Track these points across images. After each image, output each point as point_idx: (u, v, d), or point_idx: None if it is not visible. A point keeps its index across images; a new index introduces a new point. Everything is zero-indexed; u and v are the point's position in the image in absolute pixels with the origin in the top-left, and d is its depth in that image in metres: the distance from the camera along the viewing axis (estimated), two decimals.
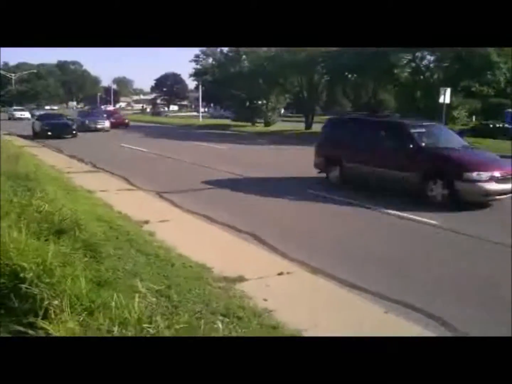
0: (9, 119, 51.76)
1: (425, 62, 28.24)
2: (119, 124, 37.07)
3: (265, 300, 4.42)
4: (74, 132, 26.95)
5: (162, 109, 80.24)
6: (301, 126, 37.51)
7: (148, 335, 2.85)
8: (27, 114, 52.81)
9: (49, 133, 25.78)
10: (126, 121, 39.55)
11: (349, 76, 32.27)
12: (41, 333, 2.88)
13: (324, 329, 3.86)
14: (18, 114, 55.00)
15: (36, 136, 26.65)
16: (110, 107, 66.67)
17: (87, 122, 32.12)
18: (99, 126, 32.16)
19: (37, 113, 38.86)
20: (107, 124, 33.19)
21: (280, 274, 5.27)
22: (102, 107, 65.02)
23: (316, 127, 37.18)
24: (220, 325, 3.30)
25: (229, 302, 4.24)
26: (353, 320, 4.20)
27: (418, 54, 27.19)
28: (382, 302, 4.64)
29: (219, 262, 5.44)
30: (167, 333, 2.88)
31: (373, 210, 8.82)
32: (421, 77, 27.90)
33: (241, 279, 4.98)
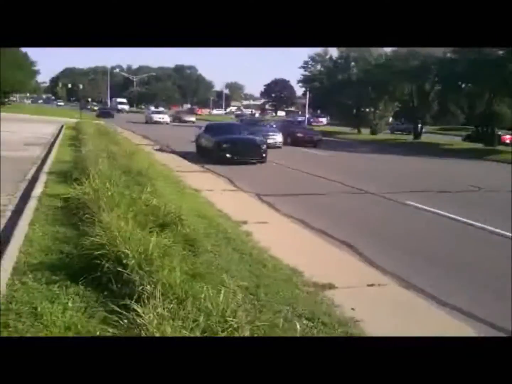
0: (146, 122, 46.72)
1: None
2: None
3: (353, 309, 4.38)
4: (264, 155, 17.21)
5: (269, 115, 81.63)
6: (409, 136, 36.31)
7: (230, 328, 2.98)
8: (166, 118, 48.95)
9: (229, 155, 16.65)
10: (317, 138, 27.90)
11: (463, 85, 30.63)
12: (133, 315, 3.11)
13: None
14: (156, 117, 48.61)
15: (205, 155, 17.84)
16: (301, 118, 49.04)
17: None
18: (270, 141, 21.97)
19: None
20: (279, 139, 24.23)
21: (371, 285, 5.19)
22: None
23: (426, 137, 35.95)
24: (298, 327, 3.35)
25: (315, 307, 4.27)
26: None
27: None
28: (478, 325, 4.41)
29: (310, 267, 5.47)
30: (247, 328, 3.00)
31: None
32: None
33: (330, 286, 4.98)
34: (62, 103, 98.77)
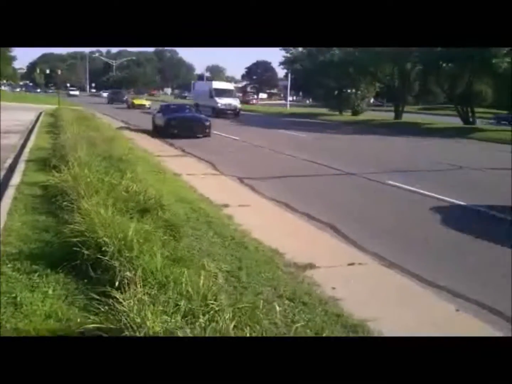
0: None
1: None
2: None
3: (333, 288, 4.43)
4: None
5: (251, 97, 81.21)
6: (390, 116, 36.45)
7: (212, 311, 3.00)
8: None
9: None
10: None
11: (444, 65, 30.78)
12: (113, 302, 3.12)
13: (389, 322, 3.82)
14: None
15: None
16: None
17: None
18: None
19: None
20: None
21: (351, 264, 5.25)
22: None
23: (407, 117, 36.13)
24: (277, 308, 3.39)
25: (296, 288, 4.31)
26: (422, 317, 4.11)
27: None
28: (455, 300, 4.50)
29: (291, 248, 5.50)
30: (228, 311, 3.02)
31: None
32: None
33: (311, 266, 5.03)
34: (39, 90, 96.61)
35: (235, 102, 36.73)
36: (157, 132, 20.73)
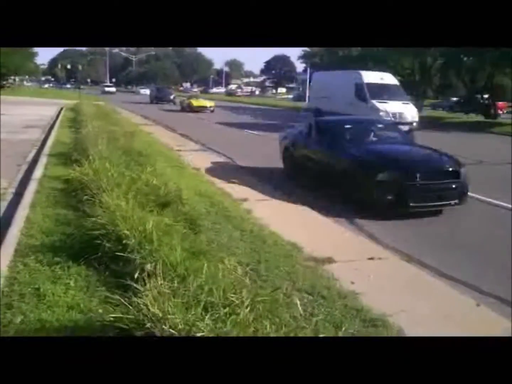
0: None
1: None
2: None
3: (353, 283, 4.41)
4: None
5: (270, 92, 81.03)
6: None
7: (232, 304, 3.01)
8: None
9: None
10: None
11: (465, 58, 30.30)
12: (131, 295, 3.14)
13: (409, 316, 3.80)
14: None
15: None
16: None
17: None
18: None
19: None
20: None
21: (371, 258, 5.22)
22: None
23: (428, 112, 35.65)
24: (298, 302, 3.39)
25: (315, 282, 4.30)
26: (441, 310, 4.07)
27: None
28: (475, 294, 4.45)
29: (310, 243, 5.49)
30: (248, 304, 3.03)
31: None
32: None
33: (330, 260, 5.01)
34: (68, 86, 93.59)
35: (408, 110, 19.48)
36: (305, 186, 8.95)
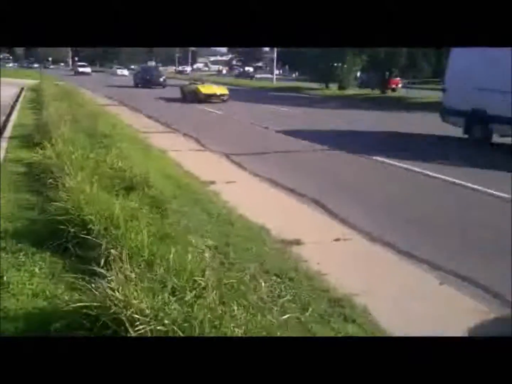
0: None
1: None
2: None
3: (318, 263, 4.49)
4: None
5: (237, 71, 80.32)
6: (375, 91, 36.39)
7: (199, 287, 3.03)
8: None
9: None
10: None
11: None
12: (97, 280, 3.13)
13: (374, 296, 3.91)
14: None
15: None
16: None
17: None
18: None
19: None
20: None
21: (337, 240, 5.31)
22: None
23: (393, 91, 36.13)
24: (262, 283, 3.44)
25: (283, 264, 4.36)
26: (405, 289, 4.19)
27: None
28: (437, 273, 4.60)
29: (278, 225, 5.53)
30: (212, 286, 3.06)
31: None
32: None
33: (297, 242, 5.07)
34: (36, 65, 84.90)
35: None
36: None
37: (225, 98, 25.12)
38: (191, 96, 25.15)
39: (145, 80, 36.59)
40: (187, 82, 29.24)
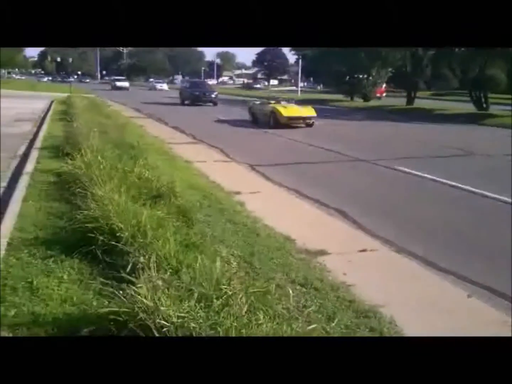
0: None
1: None
2: None
3: (345, 274, 4.45)
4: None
5: (262, 84, 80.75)
6: (402, 102, 36.06)
7: (225, 296, 3.04)
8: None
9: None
10: None
11: (456, 49, 30.30)
12: (125, 287, 3.16)
13: (400, 307, 3.85)
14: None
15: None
16: None
17: None
18: None
19: None
20: None
21: (363, 250, 5.26)
22: None
23: (419, 103, 35.72)
24: (291, 292, 3.42)
25: (308, 274, 4.34)
26: (431, 301, 4.12)
27: None
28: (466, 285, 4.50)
29: (303, 235, 5.52)
30: (241, 295, 3.06)
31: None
32: None
33: (323, 252, 5.04)
34: (71, 80, 79.24)
35: None
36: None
37: (311, 121, 19.03)
38: (266, 119, 19.16)
39: (195, 96, 31.76)
40: (257, 101, 23.36)
